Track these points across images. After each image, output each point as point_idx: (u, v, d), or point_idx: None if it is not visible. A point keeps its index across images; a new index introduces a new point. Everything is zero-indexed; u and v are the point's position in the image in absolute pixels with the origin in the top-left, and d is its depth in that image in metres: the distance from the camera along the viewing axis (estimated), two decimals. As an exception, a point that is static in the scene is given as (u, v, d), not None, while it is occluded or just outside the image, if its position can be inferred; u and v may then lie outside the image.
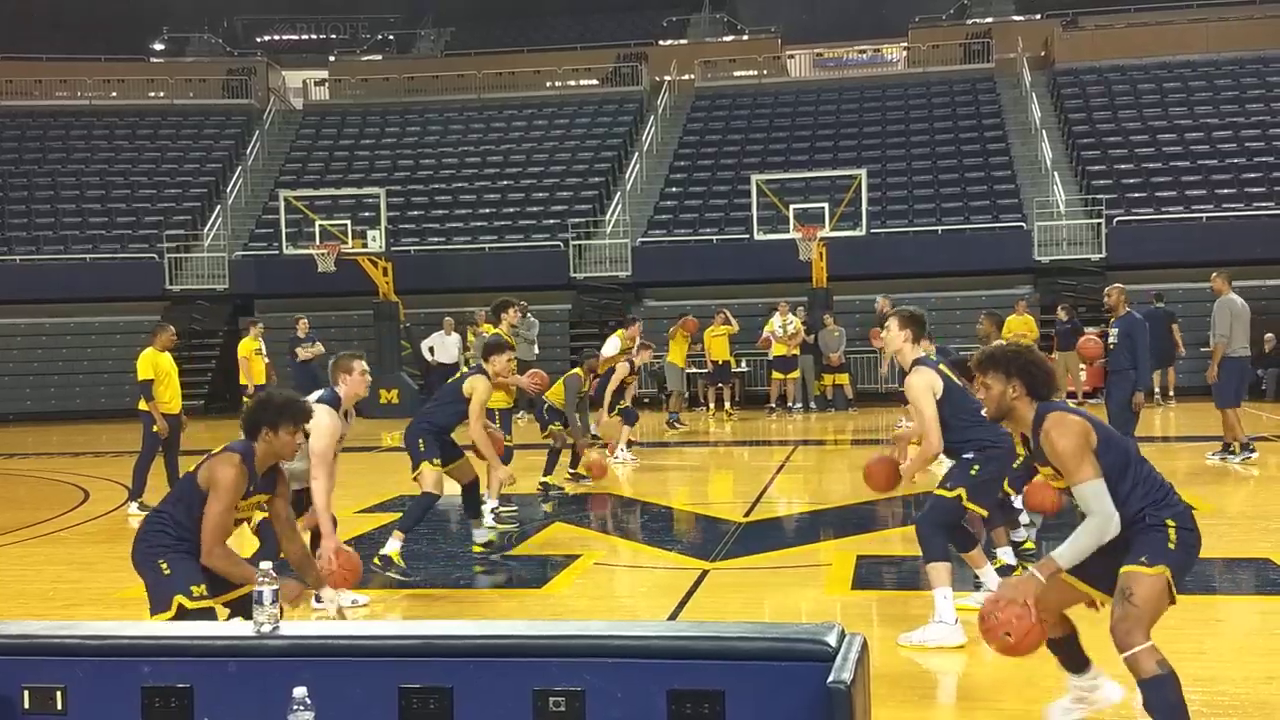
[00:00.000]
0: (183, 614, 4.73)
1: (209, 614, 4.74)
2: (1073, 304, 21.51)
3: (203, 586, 4.77)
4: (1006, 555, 7.64)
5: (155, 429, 11.67)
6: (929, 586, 6.44)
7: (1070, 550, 4.36)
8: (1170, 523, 4.34)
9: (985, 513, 7.06)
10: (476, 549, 8.86)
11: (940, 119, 29.26)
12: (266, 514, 5.37)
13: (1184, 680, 5.42)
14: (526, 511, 10.92)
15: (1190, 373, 19.87)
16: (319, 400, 6.87)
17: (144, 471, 11.66)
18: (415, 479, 8.54)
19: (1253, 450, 12.56)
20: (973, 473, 6.45)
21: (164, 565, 4.83)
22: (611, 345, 15.40)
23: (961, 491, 6.47)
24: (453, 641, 3.18)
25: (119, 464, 15.67)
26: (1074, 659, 4.76)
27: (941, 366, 6.69)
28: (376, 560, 8.13)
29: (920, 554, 6.49)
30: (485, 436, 8.59)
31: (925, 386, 6.47)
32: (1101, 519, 4.29)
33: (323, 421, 6.64)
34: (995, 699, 5.65)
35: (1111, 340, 10.87)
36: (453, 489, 8.95)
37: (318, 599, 7.12)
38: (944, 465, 13.47)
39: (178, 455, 11.86)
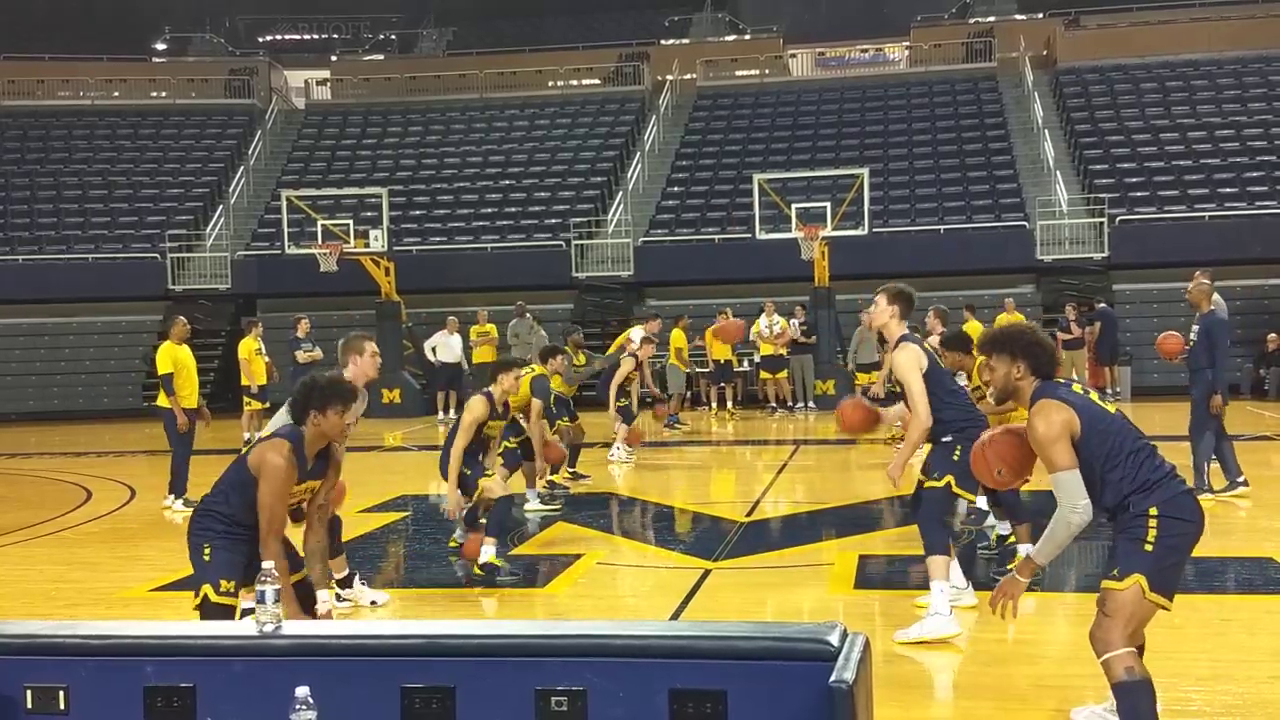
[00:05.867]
0: (206, 604, 4.75)
1: (229, 612, 4.74)
2: (1078, 303, 21.54)
3: (232, 583, 4.77)
4: (1027, 552, 7.64)
5: (178, 427, 11.43)
6: (928, 579, 6.46)
7: (1046, 546, 4.47)
8: (1153, 511, 4.33)
9: (973, 498, 7.13)
10: (453, 543, 8.89)
11: (942, 118, 29.25)
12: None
13: (1186, 680, 5.44)
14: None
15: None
16: None
17: (183, 467, 11.48)
18: (479, 496, 8.48)
19: None
20: (955, 457, 6.47)
21: (207, 551, 4.86)
22: (637, 335, 15.41)
23: (950, 478, 6.51)
24: (455, 641, 3.18)
25: (121, 464, 15.70)
26: None
27: (927, 344, 6.75)
28: (478, 570, 8.09)
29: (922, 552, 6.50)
30: (456, 465, 8.34)
31: (913, 362, 6.48)
32: (1066, 510, 4.36)
33: None
34: (998, 699, 5.65)
35: (1191, 338, 10.73)
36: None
37: (339, 598, 7.19)
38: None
39: (189, 453, 11.73)
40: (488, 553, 8.15)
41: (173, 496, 11.55)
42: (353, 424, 6.93)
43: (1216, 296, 11.30)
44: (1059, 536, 4.41)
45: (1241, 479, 10.60)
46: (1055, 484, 4.40)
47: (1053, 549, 4.46)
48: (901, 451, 6.84)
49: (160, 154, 30.57)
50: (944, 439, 6.56)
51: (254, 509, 4.85)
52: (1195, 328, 10.60)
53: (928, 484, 6.61)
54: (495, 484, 8.44)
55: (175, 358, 11.57)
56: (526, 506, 10.64)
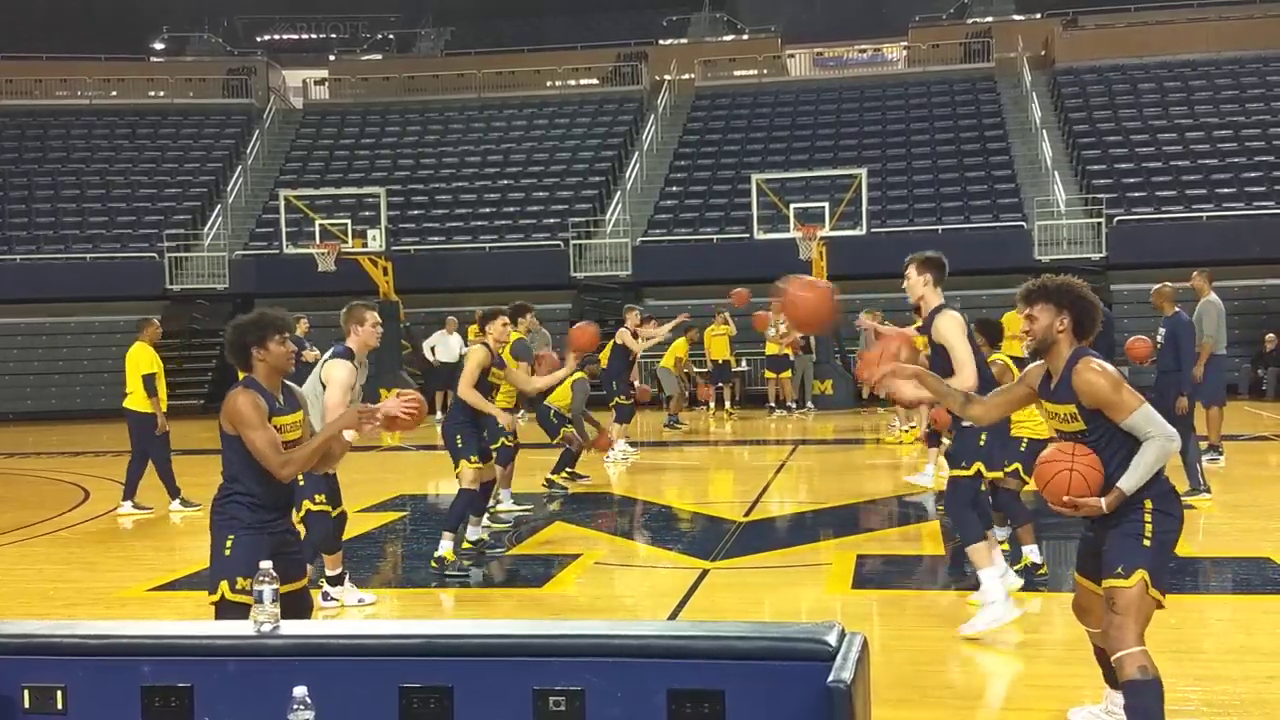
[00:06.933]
0: (222, 602, 4.68)
1: (245, 611, 4.67)
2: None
3: (249, 581, 4.70)
4: (1033, 554, 7.61)
5: (158, 430, 11.30)
6: (974, 569, 6.47)
7: (1135, 475, 4.28)
8: (1148, 505, 4.32)
9: (1002, 474, 7.07)
10: (466, 545, 8.89)
11: (940, 118, 29.26)
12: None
13: (1184, 679, 5.44)
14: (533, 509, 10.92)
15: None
16: (333, 355, 6.93)
17: (146, 470, 11.34)
18: (457, 476, 8.55)
19: (1220, 451, 12.51)
20: (981, 442, 6.43)
21: (229, 544, 4.70)
22: (623, 338, 15.57)
23: (979, 465, 6.48)
24: (453, 641, 3.18)
25: (119, 463, 15.61)
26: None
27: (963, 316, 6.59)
28: (433, 563, 8.18)
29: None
30: (476, 396, 8.53)
31: (958, 327, 6.35)
32: (1163, 439, 4.25)
33: (337, 374, 6.77)
34: (996, 699, 5.65)
35: (1159, 340, 10.81)
36: (451, 486, 8.94)
37: (326, 596, 7.20)
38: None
39: (170, 454, 11.61)
40: (444, 547, 8.17)
41: (130, 503, 11.32)
42: (360, 381, 6.96)
43: (1212, 295, 11.35)
44: (1150, 464, 4.26)
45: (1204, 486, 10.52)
46: (1137, 424, 4.25)
47: (1144, 474, 4.27)
48: (943, 391, 6.71)
49: (158, 153, 30.56)
50: (964, 424, 6.31)
51: (260, 469, 4.71)
52: (1161, 330, 10.68)
53: (954, 472, 6.56)
54: (470, 473, 8.39)
55: (153, 359, 11.40)
56: (499, 507, 10.52)
